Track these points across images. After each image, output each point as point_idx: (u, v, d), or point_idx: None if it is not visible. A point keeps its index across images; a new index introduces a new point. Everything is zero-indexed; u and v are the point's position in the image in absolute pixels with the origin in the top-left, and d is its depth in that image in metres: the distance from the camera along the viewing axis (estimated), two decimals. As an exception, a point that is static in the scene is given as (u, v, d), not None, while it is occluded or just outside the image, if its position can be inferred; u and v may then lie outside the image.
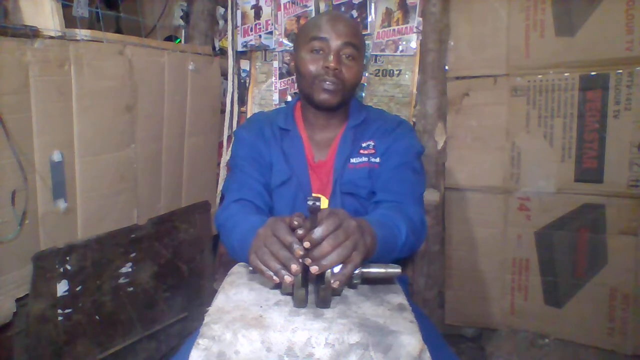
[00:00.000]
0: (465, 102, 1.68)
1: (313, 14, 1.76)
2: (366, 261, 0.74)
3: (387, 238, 0.83)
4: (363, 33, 1.71)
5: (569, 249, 1.61)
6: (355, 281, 0.73)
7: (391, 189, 1.01)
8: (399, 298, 0.76)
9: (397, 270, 0.74)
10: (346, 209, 1.03)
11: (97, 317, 1.37)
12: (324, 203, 1.06)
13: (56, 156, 1.22)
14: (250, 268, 0.74)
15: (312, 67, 1.02)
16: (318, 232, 0.68)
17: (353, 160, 1.08)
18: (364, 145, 1.09)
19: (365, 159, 1.08)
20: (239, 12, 1.87)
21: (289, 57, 1.83)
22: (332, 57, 1.01)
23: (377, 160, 1.07)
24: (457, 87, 1.69)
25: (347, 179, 1.06)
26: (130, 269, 1.46)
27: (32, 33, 1.12)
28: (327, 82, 1.02)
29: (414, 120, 1.71)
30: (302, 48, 1.05)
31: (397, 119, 1.18)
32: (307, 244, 0.68)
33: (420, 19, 1.66)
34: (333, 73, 1.01)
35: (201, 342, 0.64)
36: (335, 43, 1.02)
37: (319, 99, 1.03)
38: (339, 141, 1.10)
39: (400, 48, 1.70)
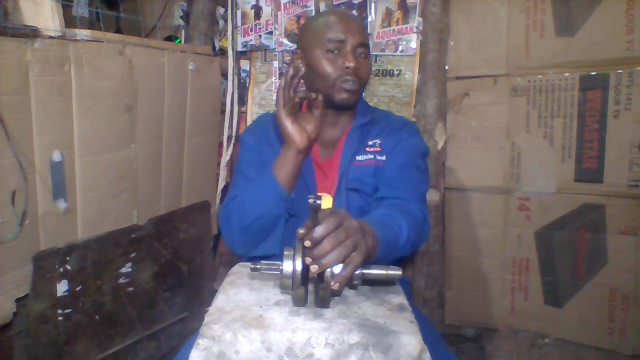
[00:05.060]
0: (465, 102, 1.69)
1: (313, 14, 1.76)
2: (367, 262, 0.74)
3: (388, 238, 0.83)
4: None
5: (569, 249, 1.61)
6: (355, 282, 0.73)
7: (394, 186, 1.02)
8: (399, 298, 0.76)
9: (397, 272, 0.73)
10: (351, 205, 1.04)
11: (97, 317, 1.37)
12: (329, 200, 1.07)
13: (56, 156, 1.22)
14: (251, 266, 0.74)
15: (331, 68, 1.04)
16: (319, 230, 0.68)
17: (359, 157, 1.08)
18: (370, 143, 1.10)
19: (371, 156, 1.08)
20: (239, 12, 1.87)
21: (289, 57, 1.83)
22: (350, 56, 1.03)
23: (383, 158, 1.08)
24: (457, 87, 1.69)
25: (353, 175, 1.07)
26: (130, 269, 1.46)
27: (32, 33, 1.12)
28: (349, 82, 1.04)
29: (413, 120, 1.71)
30: (316, 48, 1.06)
31: (403, 119, 1.20)
32: (307, 243, 0.68)
33: (420, 19, 1.66)
34: (353, 72, 1.03)
35: (201, 342, 0.64)
36: (351, 43, 1.04)
37: (340, 99, 1.05)
38: (345, 140, 1.11)
39: (400, 48, 1.70)
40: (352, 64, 1.02)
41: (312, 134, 0.99)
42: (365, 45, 1.07)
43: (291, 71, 0.96)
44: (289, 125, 0.97)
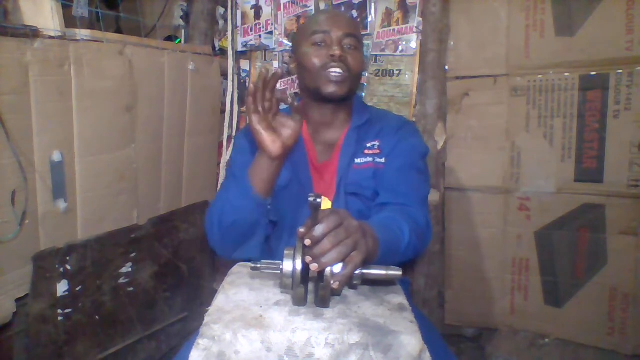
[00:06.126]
0: (465, 102, 1.68)
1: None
2: (367, 263, 0.74)
3: (389, 241, 0.82)
4: (363, 33, 1.71)
5: (569, 249, 1.61)
6: (355, 282, 0.73)
7: (396, 190, 1.01)
8: (399, 298, 0.76)
9: (397, 272, 0.73)
10: (350, 209, 1.03)
11: (97, 317, 1.37)
12: (327, 204, 1.05)
13: (56, 156, 1.22)
14: (251, 265, 0.74)
15: (316, 59, 1.03)
16: (319, 229, 0.67)
17: (358, 160, 1.07)
18: (368, 145, 1.09)
19: (370, 159, 1.07)
20: (239, 12, 1.87)
21: (288, 58, 1.83)
22: (336, 46, 1.02)
23: (383, 160, 1.06)
24: (457, 87, 1.69)
25: (352, 179, 1.05)
26: (130, 269, 1.46)
27: (32, 33, 1.12)
28: (334, 72, 1.02)
29: (413, 119, 1.71)
30: (304, 43, 1.06)
31: (403, 119, 1.19)
32: (307, 242, 0.67)
33: (420, 19, 1.66)
34: (339, 60, 1.02)
35: (201, 342, 0.64)
36: (336, 34, 1.03)
37: (328, 91, 1.03)
38: (342, 141, 1.09)
39: (400, 48, 1.70)
40: (337, 52, 1.01)
41: (289, 140, 0.91)
42: (353, 36, 1.05)
43: (263, 73, 0.89)
44: (261, 131, 0.89)
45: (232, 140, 1.90)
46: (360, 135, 1.10)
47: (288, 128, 0.91)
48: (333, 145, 1.10)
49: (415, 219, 0.94)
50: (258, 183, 0.93)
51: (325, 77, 1.03)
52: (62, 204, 1.25)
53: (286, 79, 1.84)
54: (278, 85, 1.95)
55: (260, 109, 0.89)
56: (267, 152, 0.90)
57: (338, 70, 1.02)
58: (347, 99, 1.08)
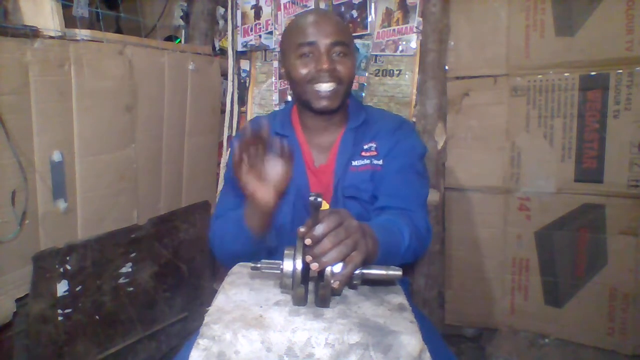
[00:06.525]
0: (465, 102, 1.68)
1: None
2: (367, 264, 0.74)
3: (389, 243, 0.82)
4: (363, 33, 1.71)
5: (569, 249, 1.61)
6: (355, 282, 0.73)
7: (395, 194, 1.00)
8: (399, 298, 0.76)
9: (398, 272, 0.73)
10: None
11: (97, 317, 1.37)
12: (325, 207, 1.05)
13: (56, 156, 1.22)
14: (251, 265, 0.74)
15: (304, 71, 1.00)
16: (319, 229, 0.67)
17: (355, 163, 1.05)
18: (365, 147, 1.07)
19: (367, 161, 1.05)
20: (239, 12, 1.87)
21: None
22: (324, 58, 0.99)
23: (380, 162, 1.05)
24: (457, 87, 1.69)
25: (349, 182, 1.04)
26: (130, 269, 1.46)
27: (32, 33, 1.12)
28: (323, 86, 0.99)
29: (414, 120, 1.71)
30: (291, 55, 1.03)
31: (399, 118, 1.17)
32: (308, 241, 0.67)
33: (420, 19, 1.66)
34: (328, 74, 0.99)
35: (201, 342, 0.64)
36: (323, 44, 0.99)
37: (318, 107, 1.01)
38: (339, 144, 1.08)
39: (400, 48, 1.70)
40: (325, 66, 0.98)
41: (282, 184, 0.84)
42: (342, 43, 1.00)
43: (248, 132, 0.79)
44: (251, 183, 0.82)
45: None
46: (357, 137, 1.08)
47: (278, 169, 0.84)
48: (329, 148, 1.09)
49: (415, 223, 0.93)
50: (253, 227, 0.90)
51: (314, 92, 1.00)
52: (62, 204, 1.25)
53: (284, 80, 1.84)
54: (279, 85, 1.94)
55: (246, 158, 0.81)
56: (260, 206, 0.84)
57: (328, 85, 0.99)
58: (341, 106, 1.06)
